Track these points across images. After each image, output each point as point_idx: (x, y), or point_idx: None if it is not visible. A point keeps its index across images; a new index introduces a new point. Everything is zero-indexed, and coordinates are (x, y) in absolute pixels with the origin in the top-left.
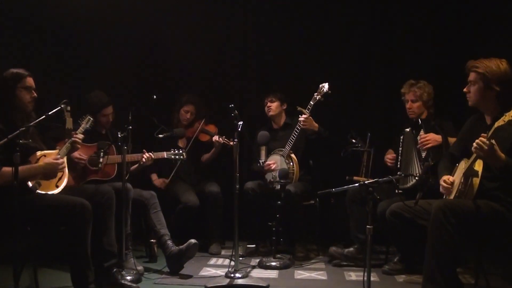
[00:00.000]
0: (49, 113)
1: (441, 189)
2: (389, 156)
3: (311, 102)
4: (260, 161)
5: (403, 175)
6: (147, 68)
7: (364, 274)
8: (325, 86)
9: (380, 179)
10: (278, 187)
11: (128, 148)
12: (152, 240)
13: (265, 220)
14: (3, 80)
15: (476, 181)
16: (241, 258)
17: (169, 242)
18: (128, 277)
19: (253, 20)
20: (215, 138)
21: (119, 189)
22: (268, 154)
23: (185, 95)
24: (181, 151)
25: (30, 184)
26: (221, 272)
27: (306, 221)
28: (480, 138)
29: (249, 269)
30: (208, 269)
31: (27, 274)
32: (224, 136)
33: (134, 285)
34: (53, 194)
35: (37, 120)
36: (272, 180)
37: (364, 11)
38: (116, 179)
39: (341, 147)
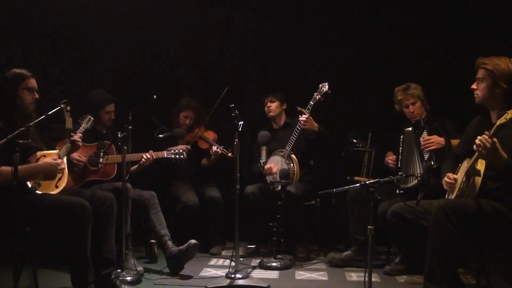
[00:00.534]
0: (49, 113)
1: (444, 185)
2: (390, 158)
3: (311, 102)
4: (261, 161)
5: (404, 175)
6: (147, 68)
7: (365, 275)
8: (325, 86)
9: (381, 179)
10: (279, 187)
11: (128, 148)
12: (152, 241)
13: (266, 220)
14: (5, 80)
15: (478, 180)
16: (241, 259)
17: (169, 243)
18: (128, 278)
19: (253, 19)
20: (214, 148)
21: (118, 189)
22: (268, 155)
23: (184, 99)
24: (181, 150)
25: (29, 184)
26: (222, 272)
27: (307, 222)
28: (483, 135)
29: (249, 270)
30: (209, 269)
31: (27, 274)
32: (222, 146)
33: None
34: (52, 194)
35: (37, 120)
36: (272, 180)
37: (364, 11)
38: (116, 179)
39: (342, 147)
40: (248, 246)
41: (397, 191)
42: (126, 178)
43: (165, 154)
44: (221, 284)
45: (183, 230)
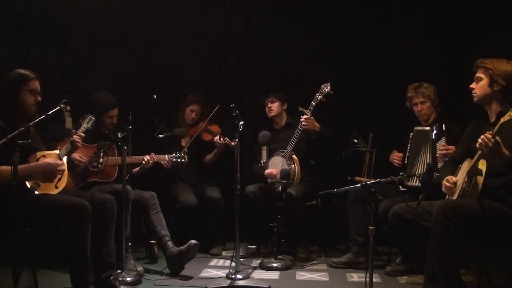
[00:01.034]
0: (49, 113)
1: (443, 188)
2: (396, 155)
3: (312, 103)
4: (261, 161)
5: (405, 175)
6: (147, 68)
7: (366, 275)
8: (327, 86)
9: (382, 180)
10: (280, 188)
11: (128, 148)
12: (152, 241)
13: (267, 221)
14: (8, 80)
15: (480, 179)
16: (242, 259)
17: (170, 243)
18: (128, 279)
19: (254, 19)
20: (217, 138)
21: (119, 191)
22: (269, 155)
23: (190, 95)
24: (183, 154)
25: (28, 184)
26: (222, 273)
27: (308, 222)
28: (486, 134)
29: (250, 270)
30: (209, 270)
31: (26, 275)
32: (227, 138)
33: None
34: (52, 194)
35: (36, 120)
36: (273, 181)
37: (366, 10)
38: (116, 180)
39: (343, 147)
40: (249, 247)
41: (399, 188)
42: (127, 178)
43: (166, 157)
44: (222, 284)
45: (183, 230)
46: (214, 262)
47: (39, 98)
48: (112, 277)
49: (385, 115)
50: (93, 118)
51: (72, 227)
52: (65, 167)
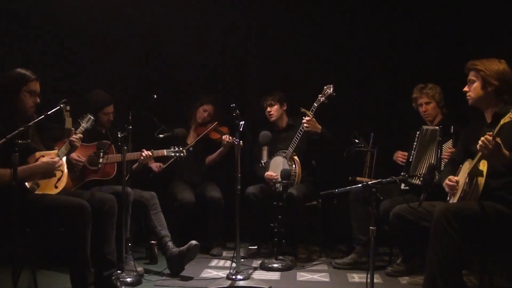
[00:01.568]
0: (48, 112)
1: (446, 188)
2: (400, 154)
3: (315, 104)
4: (262, 161)
5: (406, 175)
6: (147, 68)
7: (367, 276)
8: (330, 87)
9: (383, 180)
10: (280, 188)
11: (128, 148)
12: (152, 241)
13: (267, 221)
14: (8, 79)
15: (481, 180)
16: (242, 260)
17: (170, 244)
18: (128, 279)
19: (255, 19)
20: (225, 137)
21: (119, 192)
22: (270, 156)
23: (206, 94)
24: (181, 149)
25: (27, 185)
26: (223, 274)
27: (309, 222)
28: (486, 136)
29: (250, 271)
30: (209, 270)
31: (26, 275)
32: (234, 137)
33: None
34: (52, 195)
35: (36, 120)
36: (274, 181)
37: (368, 11)
38: (116, 178)
39: (344, 147)
40: (249, 247)
41: (402, 186)
42: (127, 178)
43: (165, 152)
44: (222, 285)
45: (183, 230)
46: (214, 262)
47: (38, 100)
48: (113, 277)
49: (387, 115)
50: (92, 117)
51: (72, 228)
52: (64, 164)
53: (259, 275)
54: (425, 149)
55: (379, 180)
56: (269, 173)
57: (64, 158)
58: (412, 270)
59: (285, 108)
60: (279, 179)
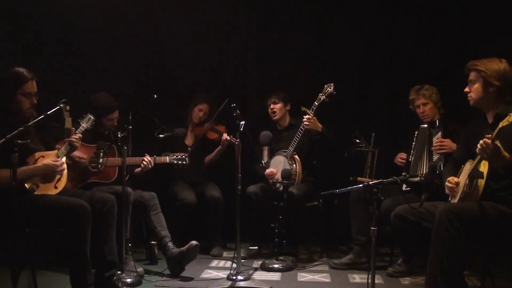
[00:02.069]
0: (48, 112)
1: (446, 190)
2: (401, 155)
3: (315, 103)
4: (263, 161)
5: (408, 175)
6: (147, 68)
7: (368, 277)
8: (331, 86)
9: (384, 180)
10: (281, 188)
11: (129, 149)
12: (152, 242)
13: (268, 221)
14: (3, 81)
15: (482, 182)
16: (243, 260)
17: (170, 244)
18: (128, 280)
19: (255, 18)
20: (224, 136)
21: (119, 193)
22: (271, 155)
23: (200, 94)
24: (184, 156)
25: (27, 185)
26: (223, 274)
27: (309, 223)
28: (484, 139)
29: (251, 272)
30: (210, 271)
31: (26, 276)
32: (232, 136)
33: None
34: (51, 195)
35: (36, 120)
36: (274, 181)
37: (368, 10)
38: (117, 182)
39: (345, 147)
40: (250, 248)
41: (404, 187)
42: (127, 178)
43: (167, 159)
44: (223, 286)
45: (183, 231)
46: (215, 263)
47: (35, 101)
48: (115, 277)
49: (388, 115)
50: (92, 117)
51: (72, 228)
52: (65, 167)
53: (260, 275)
54: (422, 148)
55: (380, 180)
56: (269, 170)
57: (64, 159)
58: (413, 271)
59: (288, 108)
60: (280, 179)
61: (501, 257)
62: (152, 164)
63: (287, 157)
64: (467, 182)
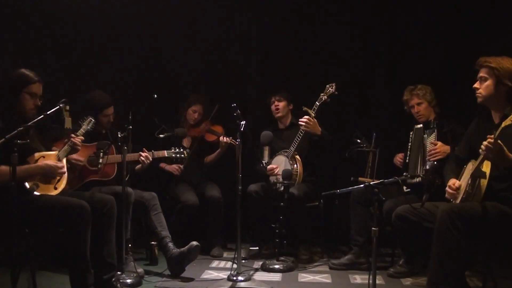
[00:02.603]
0: (48, 112)
1: (446, 194)
2: (400, 156)
3: (316, 103)
4: (263, 161)
5: (409, 176)
6: (147, 68)
7: (369, 277)
8: (332, 86)
9: (385, 180)
10: (281, 188)
11: (129, 148)
12: (152, 242)
13: (268, 222)
14: (9, 79)
15: (484, 182)
16: (243, 261)
17: (170, 245)
18: (128, 280)
19: (256, 18)
20: (222, 138)
21: (119, 193)
22: (272, 155)
23: (193, 95)
24: (182, 150)
25: (27, 185)
26: (223, 275)
27: (310, 223)
28: (488, 139)
29: (252, 272)
30: (210, 272)
31: (25, 276)
32: (231, 137)
33: None
34: (51, 195)
35: (35, 120)
36: (275, 181)
37: (369, 10)
38: (116, 179)
39: (346, 147)
40: (250, 248)
41: (404, 188)
42: (127, 178)
43: (165, 153)
44: (223, 286)
45: (184, 231)
46: (215, 263)
47: (39, 103)
48: (114, 279)
49: (389, 115)
50: (92, 120)
51: (71, 228)
52: (65, 169)
53: (260, 276)
54: (417, 148)
55: (381, 180)
56: (271, 166)
57: (64, 160)
58: (415, 271)
59: (291, 107)
60: (280, 178)
61: (503, 257)
62: (150, 159)
63: (288, 157)
64: (469, 182)
